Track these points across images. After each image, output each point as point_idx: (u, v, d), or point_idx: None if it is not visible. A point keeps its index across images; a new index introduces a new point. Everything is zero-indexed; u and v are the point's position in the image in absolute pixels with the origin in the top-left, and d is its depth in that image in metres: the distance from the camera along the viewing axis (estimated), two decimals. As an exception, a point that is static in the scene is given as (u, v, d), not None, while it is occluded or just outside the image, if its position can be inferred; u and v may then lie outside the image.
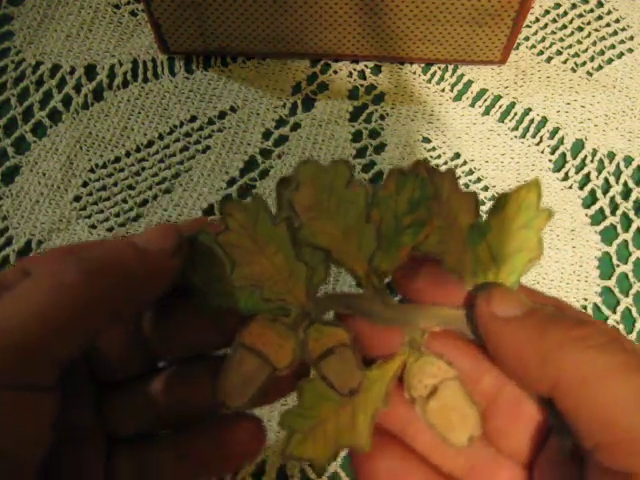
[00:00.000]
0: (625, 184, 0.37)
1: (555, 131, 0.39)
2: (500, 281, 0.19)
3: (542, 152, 0.38)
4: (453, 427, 0.19)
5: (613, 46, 0.41)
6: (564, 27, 0.42)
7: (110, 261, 0.19)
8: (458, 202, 0.19)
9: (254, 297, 0.20)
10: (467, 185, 0.37)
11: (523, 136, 0.38)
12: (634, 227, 0.36)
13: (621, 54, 0.41)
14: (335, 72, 0.40)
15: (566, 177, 0.37)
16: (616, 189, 0.37)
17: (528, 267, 0.19)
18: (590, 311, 0.33)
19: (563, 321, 0.18)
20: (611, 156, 0.38)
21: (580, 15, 0.43)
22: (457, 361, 0.20)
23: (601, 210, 0.36)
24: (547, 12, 0.43)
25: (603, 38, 0.42)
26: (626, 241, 0.35)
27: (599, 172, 0.37)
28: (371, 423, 0.20)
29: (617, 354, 0.17)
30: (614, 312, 0.33)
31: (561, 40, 0.42)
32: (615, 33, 0.42)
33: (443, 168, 0.39)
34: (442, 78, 0.40)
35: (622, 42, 0.42)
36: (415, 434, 0.21)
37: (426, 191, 0.19)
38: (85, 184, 0.37)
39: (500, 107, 0.39)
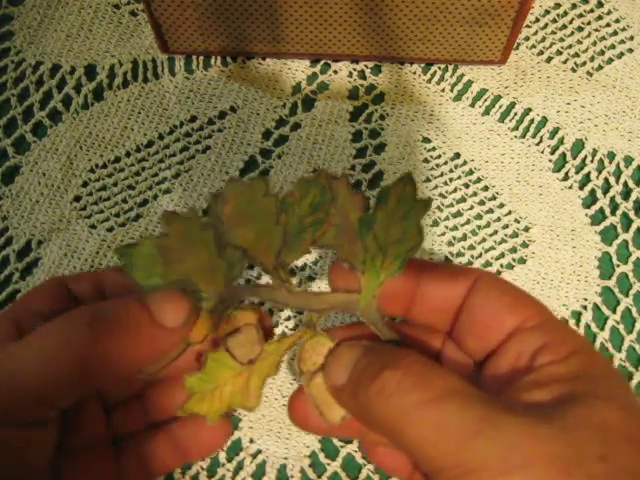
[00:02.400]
0: (625, 184, 0.37)
1: (555, 131, 0.39)
2: (385, 267, 0.22)
3: (542, 152, 0.38)
4: (330, 405, 0.21)
5: (613, 46, 0.41)
6: (564, 27, 0.42)
7: (121, 328, 0.20)
8: (351, 202, 0.22)
9: (180, 288, 0.23)
10: (467, 185, 0.37)
11: (523, 136, 0.38)
12: (634, 227, 0.36)
13: (621, 54, 0.41)
14: (335, 72, 0.40)
15: (566, 177, 0.37)
16: (616, 189, 0.37)
17: (410, 253, 0.22)
18: (590, 311, 0.33)
19: (366, 377, 0.19)
20: (611, 156, 0.38)
21: (580, 15, 0.43)
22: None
23: (601, 210, 0.36)
24: (547, 12, 0.43)
25: (603, 38, 0.42)
26: (626, 241, 0.35)
27: (599, 172, 0.37)
28: (261, 386, 0.23)
29: (408, 393, 0.18)
30: (614, 312, 0.33)
31: (561, 40, 0.42)
32: (615, 33, 0.42)
33: (443, 168, 0.39)
34: (442, 78, 0.40)
35: (622, 42, 0.42)
36: None
37: (325, 196, 0.22)
38: (85, 184, 0.37)
39: (500, 107, 0.39)
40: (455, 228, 0.35)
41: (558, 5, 0.43)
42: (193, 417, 0.23)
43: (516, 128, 0.39)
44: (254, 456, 0.30)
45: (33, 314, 0.23)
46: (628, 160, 0.38)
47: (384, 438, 0.19)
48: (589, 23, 0.42)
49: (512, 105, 0.39)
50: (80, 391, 0.20)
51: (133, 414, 0.26)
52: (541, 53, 0.41)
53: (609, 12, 0.43)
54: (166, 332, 0.21)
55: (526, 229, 0.35)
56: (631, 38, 0.42)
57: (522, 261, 0.35)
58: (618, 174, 0.37)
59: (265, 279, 0.33)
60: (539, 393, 0.18)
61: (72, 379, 0.19)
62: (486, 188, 0.37)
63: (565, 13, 0.43)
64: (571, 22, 0.42)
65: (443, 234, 0.35)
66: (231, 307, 0.23)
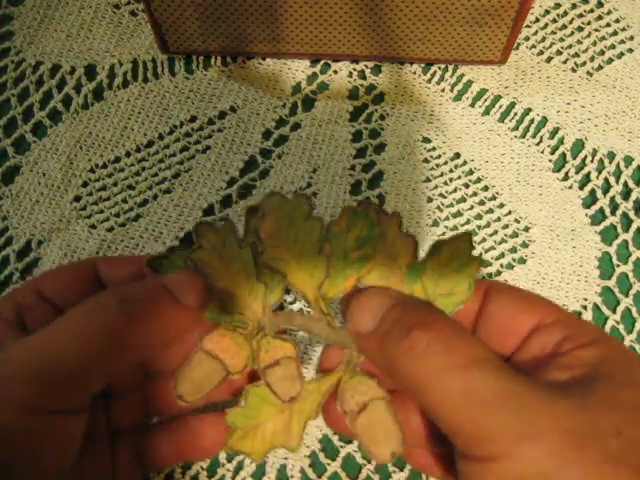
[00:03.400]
0: (625, 184, 0.37)
1: (555, 131, 0.39)
2: None
3: (542, 152, 0.38)
4: (378, 442, 0.21)
5: (613, 46, 0.41)
6: (564, 27, 0.42)
7: (149, 309, 0.21)
8: (400, 244, 0.22)
9: (216, 309, 0.22)
10: (467, 185, 0.37)
11: (523, 136, 0.38)
12: (634, 227, 0.36)
13: (621, 54, 0.41)
14: (335, 72, 0.40)
15: (566, 177, 0.37)
16: (616, 189, 0.37)
17: (458, 307, 0.21)
18: (590, 311, 0.33)
19: (396, 331, 0.19)
20: (611, 156, 0.38)
21: (580, 15, 0.43)
22: (387, 383, 0.22)
23: (601, 210, 0.36)
24: (547, 12, 0.43)
25: (603, 38, 0.42)
26: (626, 241, 0.35)
27: (599, 172, 0.37)
28: (303, 429, 0.22)
29: (436, 356, 0.18)
30: (614, 312, 0.33)
31: (561, 40, 0.42)
32: (615, 33, 0.42)
33: (443, 168, 0.39)
34: (442, 78, 0.40)
35: (622, 42, 0.42)
36: None
37: (373, 231, 0.21)
38: (85, 184, 0.37)
39: (500, 107, 0.39)
40: (455, 228, 0.35)
41: (558, 5, 0.43)
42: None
43: (516, 128, 0.39)
44: (254, 456, 0.30)
45: (40, 301, 0.23)
46: (628, 160, 0.38)
47: (416, 440, 0.19)
48: (589, 23, 0.42)
49: (512, 105, 0.39)
50: (114, 371, 0.21)
51: (131, 409, 0.26)
52: (541, 53, 0.41)
53: (609, 12, 0.43)
54: (187, 311, 0.21)
55: (526, 229, 0.35)
56: (631, 38, 0.42)
57: (522, 261, 0.35)
58: (618, 174, 0.37)
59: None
60: (563, 374, 0.18)
61: (108, 360, 0.20)
62: (486, 188, 0.37)
63: (565, 13, 0.43)
64: (571, 22, 0.42)
65: (443, 234, 0.35)
66: (269, 335, 0.23)
